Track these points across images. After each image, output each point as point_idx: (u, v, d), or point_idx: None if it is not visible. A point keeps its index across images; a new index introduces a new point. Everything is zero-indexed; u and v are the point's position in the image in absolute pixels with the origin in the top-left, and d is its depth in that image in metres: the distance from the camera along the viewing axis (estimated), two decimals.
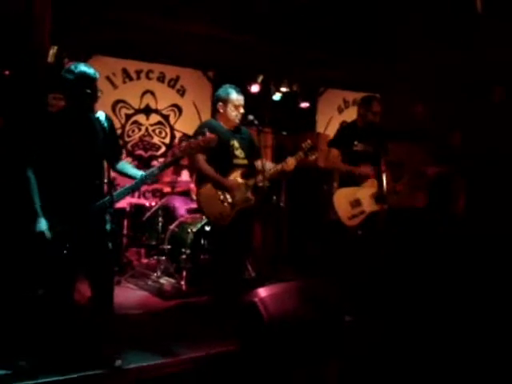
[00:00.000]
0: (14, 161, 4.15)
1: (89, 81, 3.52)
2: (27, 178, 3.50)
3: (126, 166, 3.94)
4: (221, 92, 4.90)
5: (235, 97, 4.82)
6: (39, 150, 3.53)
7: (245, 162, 4.89)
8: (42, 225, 3.45)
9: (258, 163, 4.88)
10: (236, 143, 4.87)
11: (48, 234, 3.44)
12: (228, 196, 4.72)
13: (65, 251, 3.47)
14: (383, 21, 6.85)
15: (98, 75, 3.60)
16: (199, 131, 4.65)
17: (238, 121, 4.85)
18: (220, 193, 4.72)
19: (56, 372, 3.46)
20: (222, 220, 4.72)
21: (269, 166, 4.89)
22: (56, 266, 3.48)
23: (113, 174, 3.81)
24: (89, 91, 3.52)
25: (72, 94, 3.57)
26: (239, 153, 4.86)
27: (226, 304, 4.60)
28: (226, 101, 4.83)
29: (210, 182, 4.72)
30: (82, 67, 3.54)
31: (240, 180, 4.78)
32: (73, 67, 3.55)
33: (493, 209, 5.36)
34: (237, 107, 4.82)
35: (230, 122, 4.86)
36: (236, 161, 4.84)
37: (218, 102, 4.89)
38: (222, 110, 4.86)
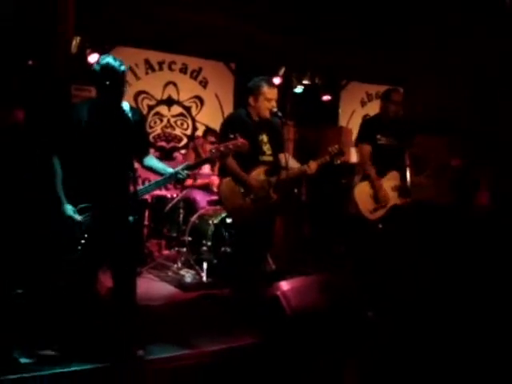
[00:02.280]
0: (39, 150, 4.17)
1: (113, 72, 3.51)
2: (52, 167, 3.52)
3: (154, 161, 3.91)
4: (252, 84, 4.74)
5: (267, 89, 4.68)
6: (64, 139, 3.54)
7: (271, 158, 4.79)
8: (69, 210, 3.48)
9: (282, 157, 4.80)
10: (265, 137, 4.77)
11: (77, 217, 3.47)
12: (249, 191, 4.67)
13: (83, 241, 3.47)
14: (407, 13, 6.79)
15: (124, 68, 3.58)
16: (228, 127, 4.63)
17: (268, 113, 4.73)
18: (242, 187, 4.67)
19: (79, 361, 3.47)
20: (242, 214, 4.68)
21: (292, 163, 4.82)
22: (78, 256, 3.49)
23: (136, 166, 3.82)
24: (113, 83, 3.51)
25: (98, 85, 3.57)
26: (267, 148, 4.77)
27: (247, 296, 4.59)
28: (258, 93, 4.69)
29: (232, 177, 4.67)
30: (109, 59, 3.53)
31: (263, 177, 4.71)
32: (101, 58, 3.55)
33: None
34: (269, 100, 4.67)
35: (260, 113, 4.71)
36: (262, 157, 4.75)
37: (249, 93, 4.76)
38: (252, 103, 4.72)
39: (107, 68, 3.51)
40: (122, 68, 3.56)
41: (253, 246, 4.78)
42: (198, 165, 4.02)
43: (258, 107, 4.69)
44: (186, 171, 3.73)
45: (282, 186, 4.73)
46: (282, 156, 4.77)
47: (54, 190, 3.51)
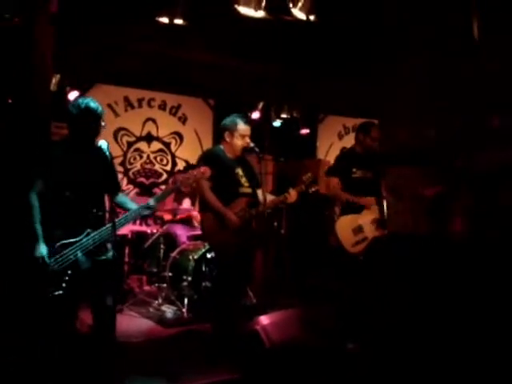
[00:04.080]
0: (17, 187, 4.17)
1: (93, 116, 3.57)
2: (30, 204, 3.52)
3: (125, 198, 4.00)
4: (228, 121, 4.90)
5: (242, 126, 4.83)
6: (43, 176, 3.56)
7: (249, 190, 4.90)
8: (43, 249, 3.46)
9: (259, 193, 4.91)
10: (240, 171, 4.89)
11: (47, 260, 3.45)
12: (229, 225, 4.72)
13: (66, 278, 3.47)
14: (381, 46, 6.92)
15: (102, 111, 3.64)
16: (201, 161, 4.75)
17: (242, 150, 4.87)
18: (222, 221, 4.72)
19: None
20: (225, 248, 4.73)
21: (269, 197, 4.92)
22: (56, 296, 3.47)
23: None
24: (93, 125, 3.57)
25: (75, 127, 3.62)
26: (244, 181, 4.88)
27: (228, 331, 4.59)
28: (233, 130, 4.83)
29: (212, 212, 4.74)
30: (89, 102, 3.58)
31: (244, 209, 4.78)
32: (80, 101, 3.60)
33: (497, 233, 5.30)
34: (243, 137, 4.82)
35: (235, 150, 4.87)
36: (242, 189, 4.85)
37: (224, 130, 4.89)
38: (228, 139, 4.86)
39: (88, 111, 3.56)
40: (102, 111, 3.62)
41: (234, 280, 4.80)
42: (166, 195, 4.10)
43: (234, 144, 4.82)
44: (151, 204, 3.79)
45: (262, 218, 4.81)
46: (259, 191, 4.89)
47: (32, 228, 3.50)
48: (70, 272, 3.49)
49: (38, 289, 3.49)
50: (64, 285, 3.47)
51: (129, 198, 4.10)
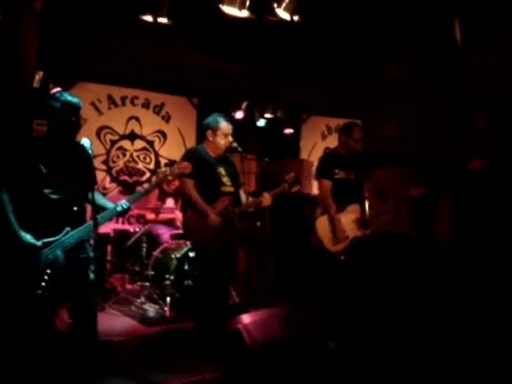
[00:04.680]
0: None
1: (74, 109, 3.56)
2: (1, 201, 3.47)
3: (98, 196, 3.94)
4: (210, 120, 4.96)
5: (224, 125, 4.89)
6: (19, 175, 3.53)
7: (232, 189, 4.96)
8: (28, 237, 3.42)
9: (240, 192, 4.99)
10: (222, 171, 4.93)
11: (38, 243, 3.42)
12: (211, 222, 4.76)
13: (46, 277, 3.45)
14: (365, 47, 6.95)
15: (81, 105, 3.64)
16: (183, 159, 4.77)
17: (225, 149, 4.91)
18: (204, 218, 4.75)
19: None
20: (207, 245, 4.76)
21: (244, 197, 4.97)
22: (36, 296, 3.46)
23: None
24: (73, 119, 3.55)
25: (56, 122, 3.59)
26: (226, 180, 4.92)
27: (210, 330, 4.60)
28: (215, 129, 4.89)
29: (195, 210, 4.76)
30: (68, 96, 3.57)
31: (227, 207, 4.82)
32: (58, 95, 3.58)
33: (481, 233, 5.35)
34: (226, 135, 4.88)
35: (217, 149, 4.92)
36: (224, 188, 4.90)
37: (207, 129, 4.94)
38: (211, 138, 4.92)
39: (69, 105, 3.54)
40: (81, 104, 3.62)
41: (216, 278, 4.83)
42: (146, 192, 4.12)
43: (216, 143, 4.86)
44: (126, 203, 3.79)
45: (245, 217, 4.86)
46: (240, 191, 4.97)
47: (8, 224, 3.47)
48: (49, 271, 3.47)
49: (28, 281, 3.47)
50: (43, 284, 3.44)
51: (102, 196, 4.06)
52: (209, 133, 4.92)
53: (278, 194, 5.10)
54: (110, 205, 3.83)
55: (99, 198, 3.92)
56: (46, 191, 3.53)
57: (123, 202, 3.79)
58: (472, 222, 5.34)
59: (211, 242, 4.75)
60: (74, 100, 3.58)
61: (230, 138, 4.90)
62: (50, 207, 3.54)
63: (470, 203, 5.35)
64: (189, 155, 4.92)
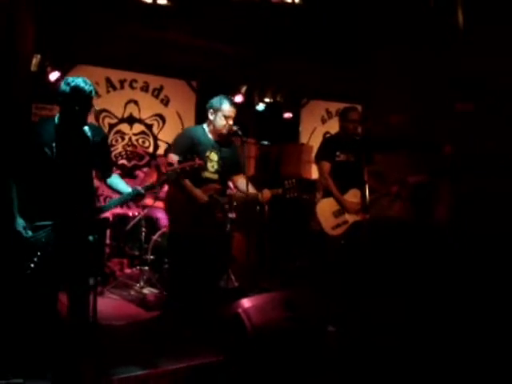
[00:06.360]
0: None
1: (82, 96, 3.50)
2: (8, 186, 3.50)
3: (117, 180, 3.97)
4: (214, 100, 4.90)
5: (227, 107, 4.82)
6: (23, 159, 3.52)
7: (214, 176, 4.87)
8: (19, 224, 3.45)
9: (237, 179, 4.97)
10: (213, 155, 4.86)
11: (25, 233, 3.45)
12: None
13: (35, 259, 3.44)
14: (364, 31, 6.91)
15: (93, 92, 3.58)
16: (179, 141, 4.87)
17: (225, 131, 4.83)
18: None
19: None
20: (180, 235, 4.80)
21: (242, 185, 4.88)
22: (29, 274, 3.45)
23: (97, 184, 3.86)
24: (81, 105, 3.51)
25: (61, 106, 3.57)
26: (211, 166, 4.84)
27: (209, 314, 4.59)
28: (217, 109, 4.82)
29: (181, 192, 4.72)
30: (81, 82, 3.51)
31: (212, 196, 4.77)
32: (70, 80, 3.53)
33: (479, 219, 5.35)
34: (226, 118, 4.81)
35: (216, 130, 4.84)
36: (205, 174, 4.81)
37: (209, 109, 4.90)
38: (211, 117, 4.87)
39: (78, 90, 3.49)
40: (92, 92, 3.56)
41: (187, 268, 4.81)
42: (158, 185, 4.08)
43: (215, 123, 4.80)
44: (144, 191, 3.79)
45: (234, 207, 4.79)
46: (237, 178, 4.90)
47: (9, 207, 3.48)
48: (39, 253, 3.46)
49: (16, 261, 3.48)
50: (32, 265, 3.44)
51: (120, 179, 4.05)
52: (210, 112, 4.87)
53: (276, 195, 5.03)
54: (127, 190, 3.83)
55: (117, 183, 3.93)
56: (51, 174, 3.52)
57: (141, 190, 3.78)
58: (470, 208, 5.35)
59: (186, 230, 4.74)
60: (86, 87, 3.52)
61: (231, 122, 4.83)
62: (55, 190, 3.52)
63: (468, 191, 5.36)
64: (184, 133, 5.04)
